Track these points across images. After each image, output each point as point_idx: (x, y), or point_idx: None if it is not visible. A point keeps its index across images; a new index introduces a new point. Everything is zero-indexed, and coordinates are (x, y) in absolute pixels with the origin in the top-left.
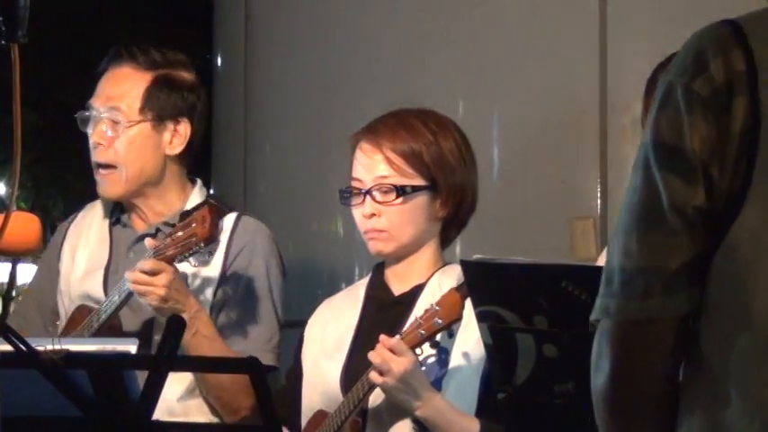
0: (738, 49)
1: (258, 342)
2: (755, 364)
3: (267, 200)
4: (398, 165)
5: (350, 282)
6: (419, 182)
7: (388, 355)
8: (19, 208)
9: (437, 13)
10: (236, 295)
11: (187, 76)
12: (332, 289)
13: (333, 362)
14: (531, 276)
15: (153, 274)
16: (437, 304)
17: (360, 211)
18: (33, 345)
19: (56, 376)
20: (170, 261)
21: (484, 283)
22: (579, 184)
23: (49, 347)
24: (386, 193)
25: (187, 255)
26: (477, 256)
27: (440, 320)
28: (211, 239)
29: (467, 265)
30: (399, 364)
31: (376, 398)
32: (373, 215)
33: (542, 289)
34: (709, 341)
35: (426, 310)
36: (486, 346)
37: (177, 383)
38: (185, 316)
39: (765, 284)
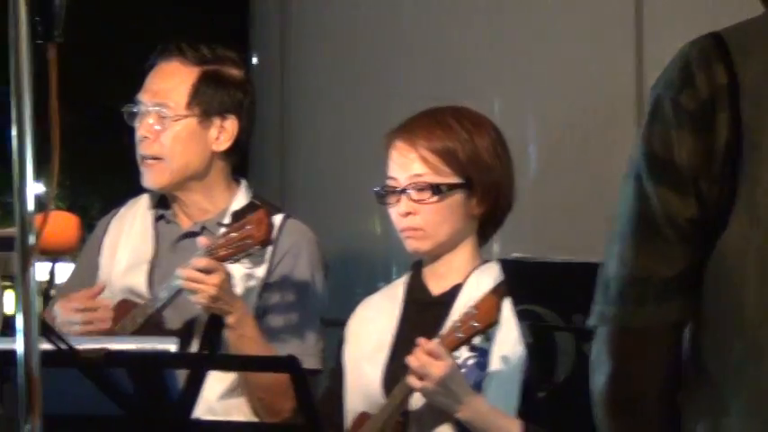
0: (720, 62)
1: (303, 346)
2: (751, 370)
3: (304, 199)
4: (433, 163)
5: (388, 280)
6: (454, 180)
7: (427, 359)
8: (57, 207)
9: (473, 12)
10: (281, 298)
11: (236, 72)
12: (370, 288)
13: (374, 364)
14: (569, 274)
15: (207, 272)
16: (474, 307)
17: (396, 210)
18: (74, 343)
19: (96, 375)
20: (222, 261)
21: (522, 281)
22: (615, 181)
23: (89, 346)
24: (421, 191)
25: (241, 256)
26: (515, 255)
27: (477, 324)
28: (268, 242)
29: (505, 264)
30: (438, 368)
31: (418, 399)
32: (409, 213)
33: (580, 287)
34: (707, 348)
35: (464, 313)
36: (527, 344)
37: (218, 382)
38: (232, 318)
39: (753, 293)
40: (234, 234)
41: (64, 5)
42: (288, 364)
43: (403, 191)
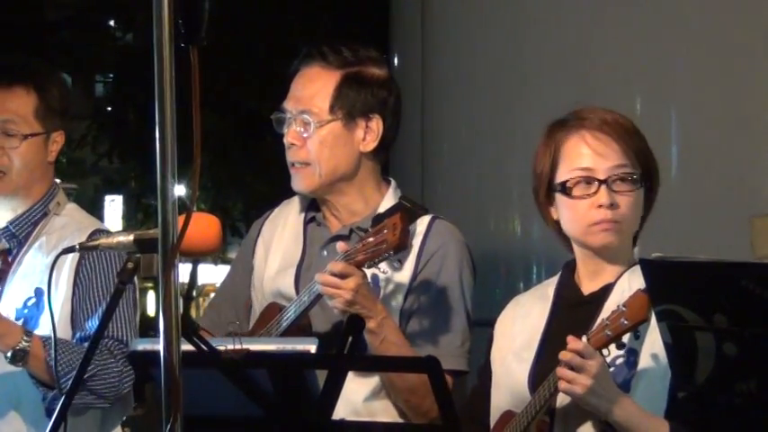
0: None
1: (450, 347)
2: None
3: (444, 199)
4: (632, 156)
5: (527, 280)
6: (642, 176)
7: (576, 360)
8: (199, 209)
9: (615, 11)
10: (428, 299)
11: (377, 71)
12: (510, 288)
13: (521, 361)
14: (711, 274)
15: (342, 276)
16: (624, 305)
17: (590, 201)
18: (215, 345)
19: (236, 376)
20: (359, 266)
21: (663, 281)
22: (759, 181)
23: (230, 347)
24: (624, 182)
25: (376, 261)
26: (656, 255)
27: (626, 321)
28: (401, 247)
29: (646, 264)
30: (588, 367)
31: (564, 398)
32: (612, 205)
33: (722, 287)
34: None
35: (613, 311)
36: (666, 344)
37: (363, 385)
38: (373, 322)
39: None
40: (370, 239)
41: (207, 9)
42: (426, 365)
43: (604, 181)
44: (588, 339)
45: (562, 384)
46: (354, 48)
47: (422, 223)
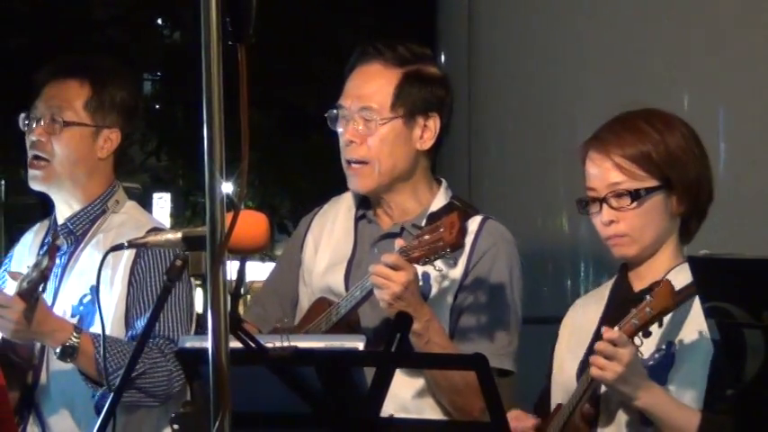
0: None
1: (498, 346)
2: None
3: (492, 197)
4: (629, 169)
5: (576, 278)
6: (652, 183)
7: (610, 350)
8: (246, 207)
9: (661, 10)
10: (477, 298)
11: (434, 70)
12: (558, 286)
13: (573, 358)
14: (759, 271)
15: (395, 269)
16: (651, 295)
17: (598, 219)
18: (263, 342)
19: (284, 373)
20: (414, 262)
21: (711, 278)
22: None
23: (278, 344)
24: (620, 198)
25: (432, 258)
26: (704, 252)
27: (650, 310)
28: (458, 246)
29: (694, 261)
30: (623, 356)
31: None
32: (612, 222)
33: None
34: None
35: (642, 301)
36: (715, 341)
37: (412, 382)
38: (418, 324)
39: None
40: (427, 236)
41: (254, 7)
42: (474, 362)
43: (603, 200)
44: (620, 329)
45: (594, 371)
46: (408, 45)
47: (473, 223)
